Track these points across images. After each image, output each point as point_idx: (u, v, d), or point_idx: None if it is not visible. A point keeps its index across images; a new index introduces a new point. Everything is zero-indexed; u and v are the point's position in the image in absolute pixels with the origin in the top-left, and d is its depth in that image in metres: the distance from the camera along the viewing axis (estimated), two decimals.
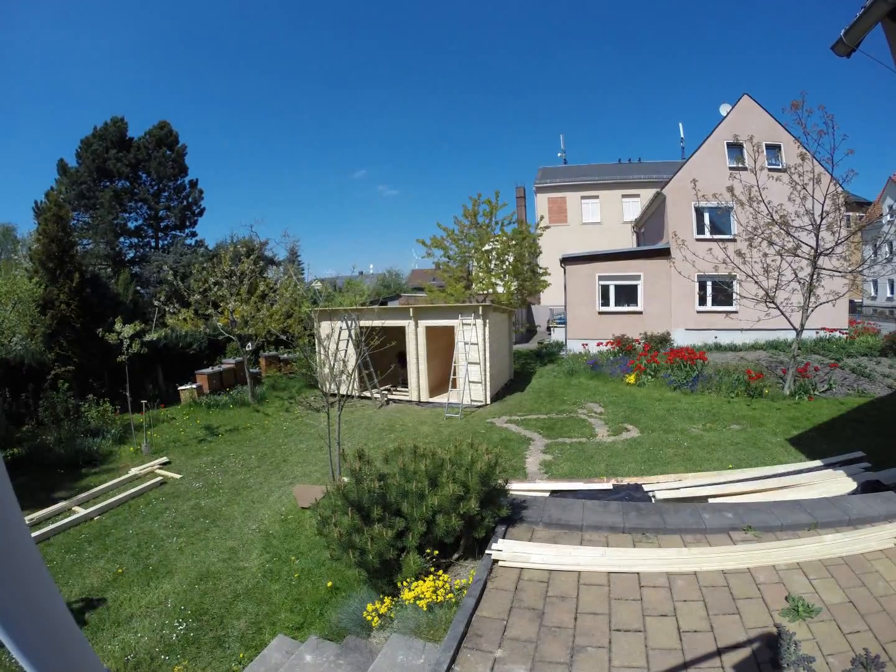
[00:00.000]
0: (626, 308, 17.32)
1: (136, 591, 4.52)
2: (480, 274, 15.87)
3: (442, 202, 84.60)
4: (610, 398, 10.56)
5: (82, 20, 56.51)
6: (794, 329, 10.15)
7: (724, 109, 17.85)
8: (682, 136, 31.40)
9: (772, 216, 10.23)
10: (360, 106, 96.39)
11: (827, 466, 6.01)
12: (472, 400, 10.51)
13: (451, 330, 10.90)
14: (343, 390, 6.72)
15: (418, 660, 3.01)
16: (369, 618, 3.50)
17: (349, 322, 9.56)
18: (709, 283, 16.42)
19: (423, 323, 11.03)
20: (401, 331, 11.25)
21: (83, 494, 6.65)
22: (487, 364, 10.46)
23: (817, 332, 15.69)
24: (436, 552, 3.86)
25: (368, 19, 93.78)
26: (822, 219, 9.75)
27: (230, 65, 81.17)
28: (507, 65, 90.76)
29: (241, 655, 3.66)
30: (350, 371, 7.59)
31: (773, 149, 15.65)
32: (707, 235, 14.61)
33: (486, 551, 4.03)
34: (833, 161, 9.17)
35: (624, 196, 26.71)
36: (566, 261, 17.54)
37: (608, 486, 5.76)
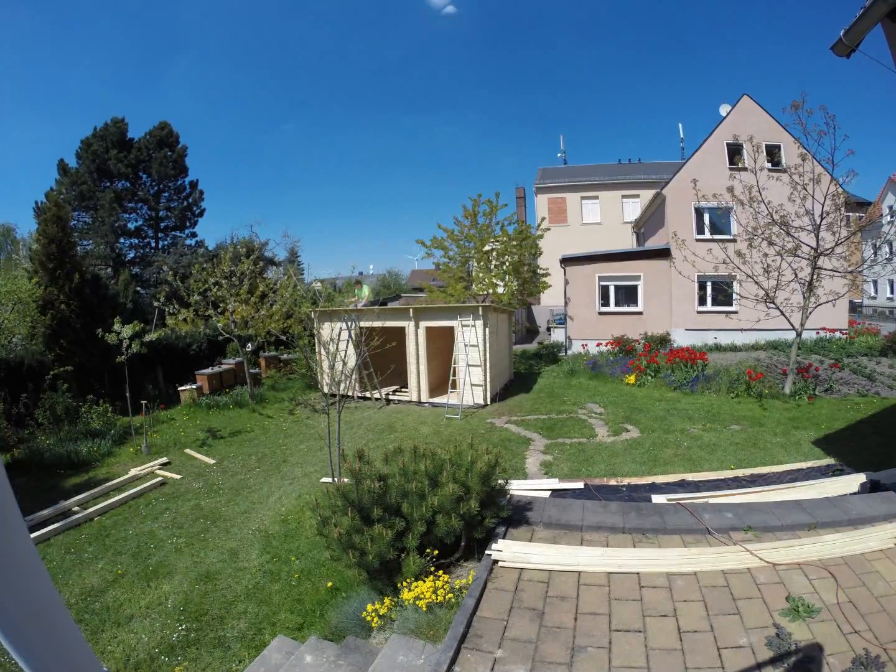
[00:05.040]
0: (626, 308, 17.33)
1: (135, 592, 4.52)
2: (481, 274, 15.88)
3: (442, 202, 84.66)
4: (610, 398, 10.55)
5: (83, 20, 56.57)
6: (794, 329, 10.15)
7: (723, 110, 17.87)
8: (681, 136, 31.50)
9: (772, 216, 10.23)
10: (357, 104, 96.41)
11: (827, 466, 6.02)
12: (472, 400, 10.52)
13: (451, 330, 10.90)
14: (343, 391, 6.72)
15: (418, 660, 3.01)
16: (369, 618, 3.50)
17: (349, 323, 9.58)
18: (709, 284, 16.44)
19: (423, 323, 11.04)
20: (401, 331, 11.25)
21: (83, 495, 6.65)
22: (487, 365, 10.46)
23: (817, 333, 15.69)
24: (436, 552, 3.86)
25: (364, 17, 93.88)
26: (822, 219, 9.75)
27: (231, 64, 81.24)
28: (507, 65, 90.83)
29: (242, 656, 3.65)
30: (350, 372, 7.59)
31: (774, 149, 15.67)
32: (707, 236, 14.61)
33: (487, 552, 4.02)
34: (833, 161, 9.17)
35: (624, 196, 26.73)
36: (566, 261, 17.55)
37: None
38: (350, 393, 8.01)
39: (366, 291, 13.29)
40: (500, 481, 4.33)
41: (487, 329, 10.43)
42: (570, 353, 17.02)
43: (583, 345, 16.79)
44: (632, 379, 11.77)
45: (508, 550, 4.02)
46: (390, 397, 11.59)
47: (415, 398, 11.21)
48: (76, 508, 6.29)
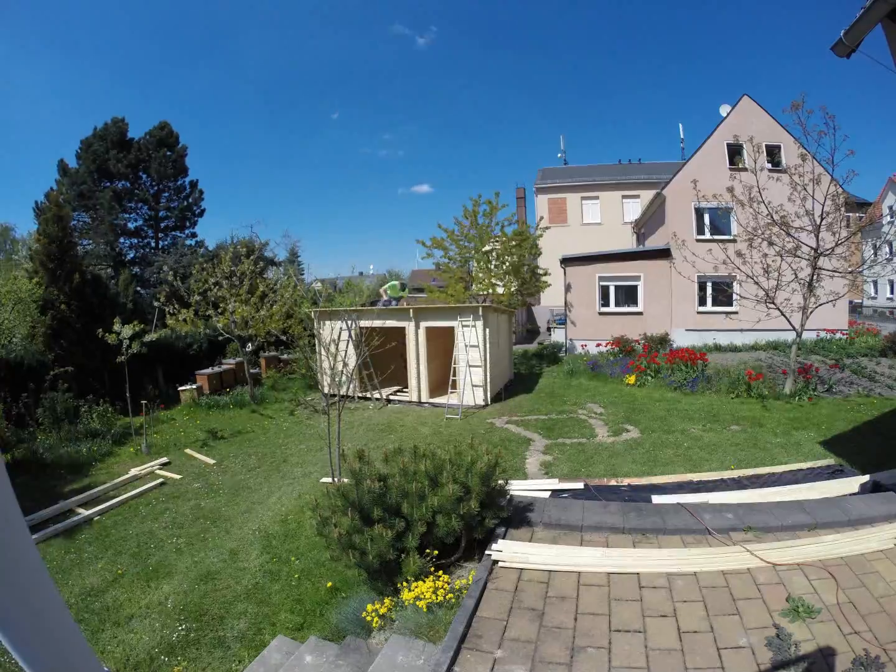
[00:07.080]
0: (626, 309, 17.33)
1: (135, 592, 4.52)
2: (480, 274, 15.89)
3: (442, 202, 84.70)
4: (610, 399, 10.56)
5: (83, 20, 56.56)
6: (795, 330, 10.15)
7: (724, 110, 17.87)
8: (682, 136, 31.52)
9: (772, 217, 10.24)
10: (356, 104, 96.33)
11: (827, 467, 6.01)
12: (472, 401, 10.52)
13: (451, 331, 10.90)
14: (343, 391, 6.72)
15: (418, 660, 3.00)
16: (369, 618, 3.50)
17: (349, 322, 9.58)
18: (709, 284, 16.44)
19: (424, 324, 11.04)
20: (401, 332, 11.26)
21: (83, 495, 6.65)
22: (487, 365, 10.46)
23: (817, 333, 15.69)
24: (436, 553, 3.86)
25: (364, 17, 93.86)
26: (822, 219, 9.75)
27: (231, 64, 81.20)
28: (507, 65, 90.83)
29: (242, 656, 3.65)
30: (350, 372, 7.60)
31: (774, 149, 15.68)
32: (707, 236, 14.62)
33: (487, 552, 4.02)
34: (833, 162, 9.19)
35: (624, 197, 26.71)
36: (566, 261, 17.55)
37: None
38: (350, 393, 8.01)
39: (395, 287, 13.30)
40: (500, 482, 4.33)
41: (487, 329, 10.43)
42: (570, 353, 17.03)
43: (583, 345, 16.80)
44: (632, 379, 11.77)
45: (508, 551, 4.02)
46: (390, 397, 11.59)
47: (415, 398, 11.21)
48: (76, 508, 6.29)
